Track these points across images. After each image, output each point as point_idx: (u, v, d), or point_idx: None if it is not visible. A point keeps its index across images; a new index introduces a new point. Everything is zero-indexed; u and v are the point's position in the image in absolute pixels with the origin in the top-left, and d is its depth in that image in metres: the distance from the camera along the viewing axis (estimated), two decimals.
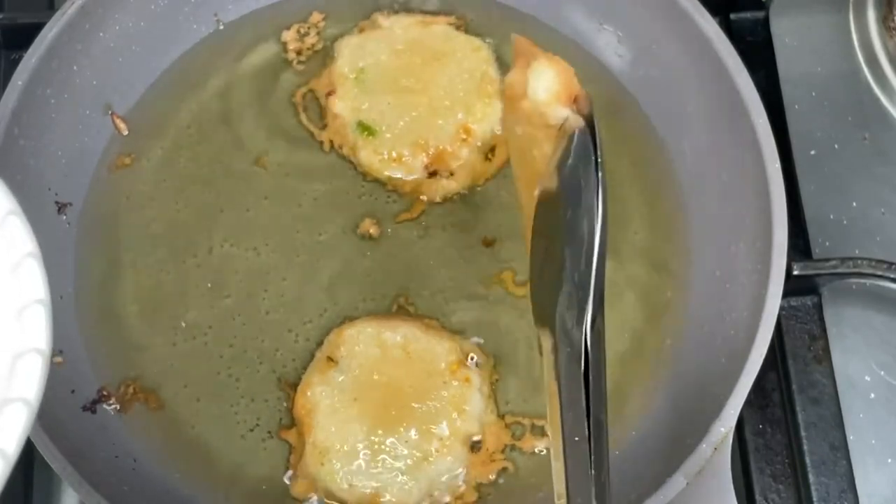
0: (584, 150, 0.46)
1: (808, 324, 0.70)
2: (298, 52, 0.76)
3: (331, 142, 0.74)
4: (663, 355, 0.68)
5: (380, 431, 0.63)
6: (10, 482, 0.64)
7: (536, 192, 0.50)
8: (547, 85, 0.50)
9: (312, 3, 0.78)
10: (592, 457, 0.43)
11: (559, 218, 0.47)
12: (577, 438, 0.44)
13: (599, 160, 0.45)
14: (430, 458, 0.64)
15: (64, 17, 0.68)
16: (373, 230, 0.71)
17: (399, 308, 0.69)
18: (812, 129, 0.76)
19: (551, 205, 0.49)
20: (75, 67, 0.70)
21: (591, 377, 0.44)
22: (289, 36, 0.77)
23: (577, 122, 0.48)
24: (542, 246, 0.50)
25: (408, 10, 0.77)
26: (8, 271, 0.40)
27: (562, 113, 0.49)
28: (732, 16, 0.78)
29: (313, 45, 0.76)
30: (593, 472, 0.43)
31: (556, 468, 0.45)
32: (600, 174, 0.45)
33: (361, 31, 0.76)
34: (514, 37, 0.54)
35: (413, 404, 0.64)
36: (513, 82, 0.53)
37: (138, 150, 0.74)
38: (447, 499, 0.64)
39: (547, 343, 0.47)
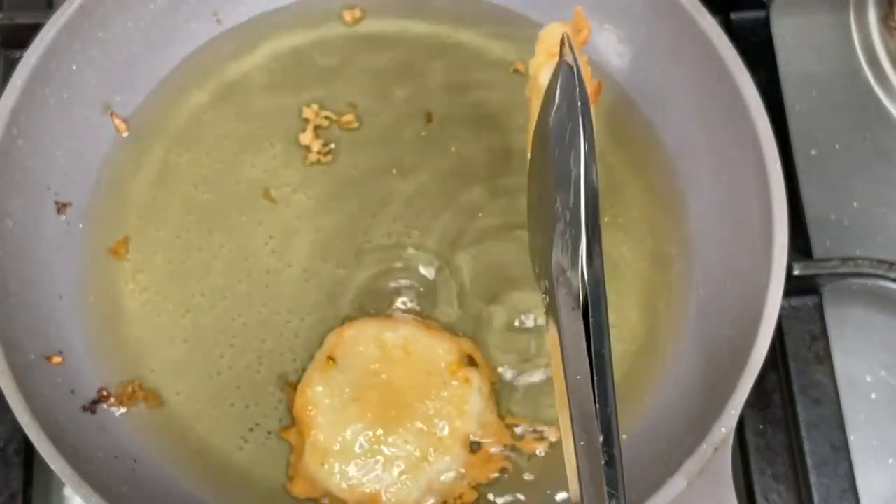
0: (568, 86, 0.46)
1: (809, 324, 0.70)
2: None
3: (319, 155, 0.74)
4: (663, 356, 0.68)
5: (379, 431, 0.64)
6: (9, 482, 0.65)
7: (530, 141, 0.50)
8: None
9: (313, 6, 0.78)
10: (596, 391, 0.43)
11: (549, 161, 0.47)
12: (578, 377, 0.44)
13: (581, 90, 0.46)
14: (430, 458, 0.64)
15: (63, 17, 0.68)
16: (374, 231, 0.71)
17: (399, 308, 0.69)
18: (813, 128, 0.76)
19: (543, 150, 0.49)
20: (74, 67, 0.70)
21: (590, 312, 0.44)
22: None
23: (564, 60, 0.49)
24: (536, 198, 0.50)
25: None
26: None
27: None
28: (733, 15, 0.78)
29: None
30: (597, 405, 0.43)
31: (563, 418, 0.45)
32: (581, 104, 0.45)
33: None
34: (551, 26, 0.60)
35: (413, 404, 0.64)
36: (535, 65, 0.60)
37: (138, 151, 0.74)
38: (447, 499, 0.64)
39: (547, 294, 0.47)
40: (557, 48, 0.52)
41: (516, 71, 0.76)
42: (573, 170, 0.45)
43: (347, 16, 0.77)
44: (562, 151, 0.46)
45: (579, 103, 0.45)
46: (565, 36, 0.48)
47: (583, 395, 0.44)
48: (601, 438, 0.43)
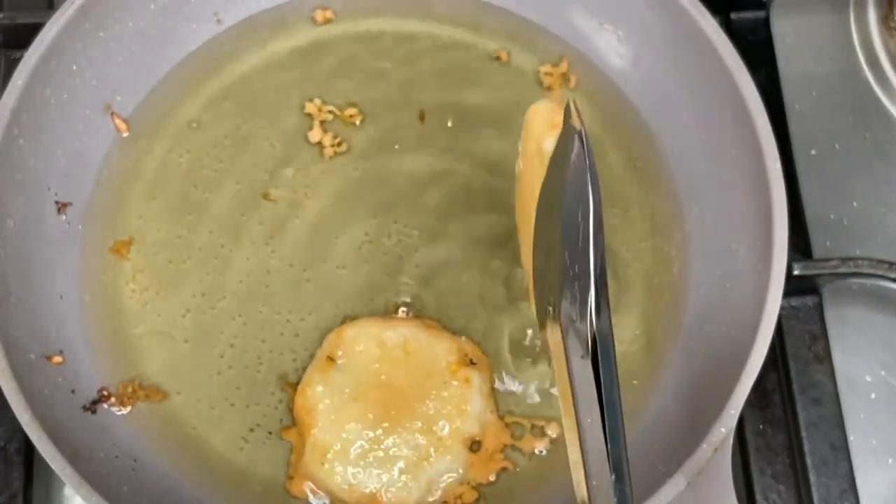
0: (574, 144, 0.48)
1: (809, 324, 0.70)
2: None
3: (334, 147, 0.74)
4: (663, 356, 0.68)
5: (379, 431, 0.64)
6: (10, 482, 0.65)
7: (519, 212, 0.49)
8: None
9: (312, 5, 0.78)
10: (607, 434, 0.45)
11: (557, 216, 0.49)
12: (589, 420, 0.45)
13: (587, 146, 0.47)
14: (430, 458, 0.64)
15: (63, 17, 0.68)
16: (374, 231, 0.71)
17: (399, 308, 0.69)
18: (813, 128, 0.76)
19: (549, 205, 0.51)
20: (75, 67, 0.70)
21: (599, 361, 0.45)
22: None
23: (571, 125, 0.50)
24: (544, 250, 0.52)
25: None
26: None
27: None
28: (733, 15, 0.78)
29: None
30: (609, 447, 0.45)
31: (573, 456, 0.47)
32: (589, 161, 0.47)
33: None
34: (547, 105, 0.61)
35: (413, 404, 0.64)
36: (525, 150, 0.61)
37: (139, 151, 0.74)
38: (447, 499, 0.64)
39: (557, 344, 0.48)
40: (542, 131, 0.58)
41: (498, 58, 0.76)
42: (581, 227, 0.46)
43: (319, 16, 0.77)
44: (570, 209, 0.47)
45: (587, 163, 0.47)
46: (571, 101, 0.49)
47: (594, 438, 0.46)
48: (613, 478, 0.45)
